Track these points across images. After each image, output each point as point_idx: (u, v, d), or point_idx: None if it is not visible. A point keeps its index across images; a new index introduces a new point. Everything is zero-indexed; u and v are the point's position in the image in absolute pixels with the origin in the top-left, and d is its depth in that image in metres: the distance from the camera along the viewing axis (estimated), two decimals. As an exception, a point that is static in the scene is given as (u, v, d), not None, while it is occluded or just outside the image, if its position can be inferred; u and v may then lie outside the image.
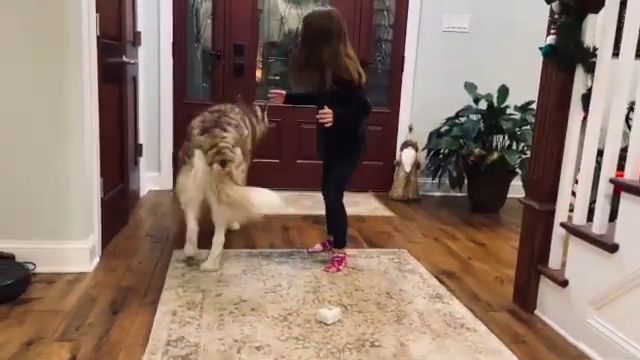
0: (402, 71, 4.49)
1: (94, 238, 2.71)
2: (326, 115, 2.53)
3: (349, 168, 2.77)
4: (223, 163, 2.53)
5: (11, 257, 2.45)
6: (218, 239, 2.69)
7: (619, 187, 1.93)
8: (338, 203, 2.78)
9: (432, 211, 4.14)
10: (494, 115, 4.03)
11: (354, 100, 2.59)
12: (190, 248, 2.79)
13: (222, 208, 2.56)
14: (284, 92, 2.93)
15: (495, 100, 4.06)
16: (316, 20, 2.59)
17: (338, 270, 2.74)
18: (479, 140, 4.01)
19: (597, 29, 2.10)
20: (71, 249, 2.56)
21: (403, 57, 4.47)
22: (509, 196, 4.14)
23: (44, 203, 2.52)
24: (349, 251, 2.93)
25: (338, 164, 2.75)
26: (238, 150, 2.62)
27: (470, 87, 4.18)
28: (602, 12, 2.08)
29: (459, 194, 4.35)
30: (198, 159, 2.57)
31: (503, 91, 4.05)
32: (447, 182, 4.21)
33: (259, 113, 3.23)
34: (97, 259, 2.73)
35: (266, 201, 2.48)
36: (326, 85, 2.54)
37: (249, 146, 2.98)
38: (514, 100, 4.06)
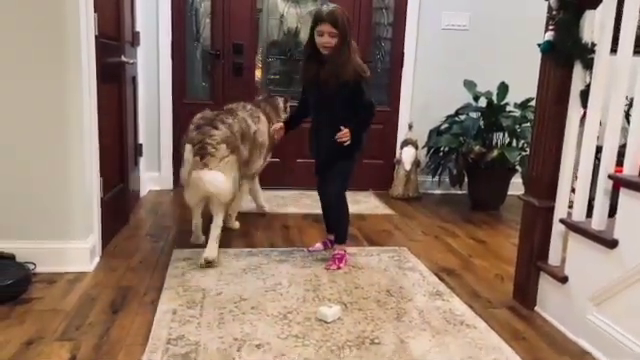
0: (402, 69, 4.49)
1: (94, 238, 2.71)
2: (345, 135, 2.60)
3: (352, 164, 2.78)
4: (203, 157, 2.70)
5: (11, 257, 2.45)
6: (216, 222, 2.83)
7: (618, 183, 1.93)
8: (341, 198, 2.79)
9: (432, 209, 4.13)
10: (494, 112, 4.03)
11: (362, 104, 2.61)
12: (194, 237, 3.05)
13: (190, 189, 2.80)
14: (282, 124, 2.94)
15: (495, 97, 4.06)
16: (345, 16, 2.56)
17: (339, 268, 2.74)
18: (479, 138, 4.01)
19: (595, 25, 2.10)
20: (71, 249, 2.57)
21: (402, 55, 4.47)
22: (509, 193, 4.14)
23: (44, 203, 2.53)
24: (349, 249, 2.93)
25: (342, 161, 2.74)
26: (223, 146, 2.75)
27: (469, 85, 4.17)
28: (600, 8, 2.08)
29: (459, 192, 4.35)
30: (188, 152, 2.77)
31: (503, 88, 4.04)
32: (447, 180, 4.21)
33: (281, 105, 3.42)
34: (97, 259, 2.73)
35: (212, 179, 2.67)
36: (341, 80, 2.54)
37: (263, 140, 3.22)
38: (514, 97, 4.05)
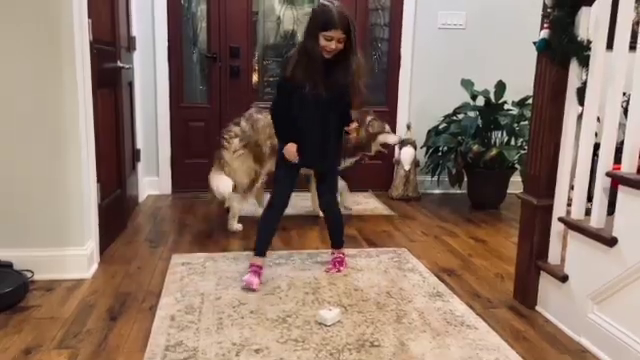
0: (399, 69, 4.48)
1: (92, 244, 2.70)
2: (355, 127, 2.64)
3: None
4: (221, 149, 3.28)
5: (9, 265, 2.44)
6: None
7: (616, 180, 1.92)
8: (337, 203, 2.80)
9: (432, 209, 4.12)
10: (492, 111, 4.02)
11: (347, 103, 2.58)
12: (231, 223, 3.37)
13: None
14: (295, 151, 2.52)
15: (492, 96, 4.05)
16: (351, 16, 2.43)
17: (339, 271, 2.73)
18: (477, 137, 4.00)
19: (591, 22, 2.09)
20: (69, 256, 2.56)
21: (399, 55, 4.47)
22: (509, 192, 4.13)
23: (41, 210, 2.52)
24: (349, 251, 2.93)
25: (335, 165, 2.74)
26: (235, 141, 3.25)
27: (467, 84, 4.16)
28: (595, 4, 2.07)
29: (459, 191, 4.34)
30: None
31: (500, 87, 4.03)
32: (447, 179, 4.19)
33: (366, 121, 3.65)
34: (95, 265, 2.72)
35: (217, 184, 3.20)
36: (349, 78, 2.46)
37: None
38: (511, 96, 4.04)
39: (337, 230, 2.82)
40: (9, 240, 2.49)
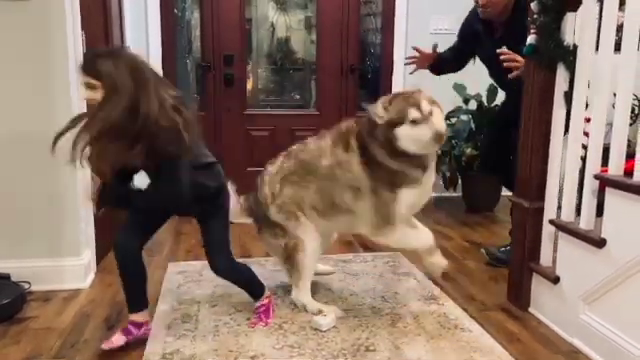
0: (392, 75, 4.51)
1: (89, 254, 2.72)
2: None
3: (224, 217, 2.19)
4: None
5: (6, 277, 2.45)
6: None
7: (604, 183, 1.94)
8: (233, 262, 2.23)
9: (427, 212, 4.10)
10: (484, 114, 4.05)
11: None
12: None
13: None
14: None
15: (485, 100, 4.09)
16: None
17: (267, 324, 2.21)
18: (471, 140, 4.03)
19: (576, 27, 2.13)
20: (66, 266, 2.57)
21: (392, 60, 4.50)
22: (503, 194, 4.15)
23: (37, 221, 2.54)
24: (345, 256, 2.95)
25: (216, 217, 2.17)
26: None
27: (459, 88, 4.19)
28: (580, 10, 2.10)
29: (454, 194, 4.36)
30: None
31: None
32: (441, 183, 4.22)
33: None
34: (92, 275, 2.74)
35: None
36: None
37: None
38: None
39: (248, 286, 2.27)
40: (6, 252, 2.51)
